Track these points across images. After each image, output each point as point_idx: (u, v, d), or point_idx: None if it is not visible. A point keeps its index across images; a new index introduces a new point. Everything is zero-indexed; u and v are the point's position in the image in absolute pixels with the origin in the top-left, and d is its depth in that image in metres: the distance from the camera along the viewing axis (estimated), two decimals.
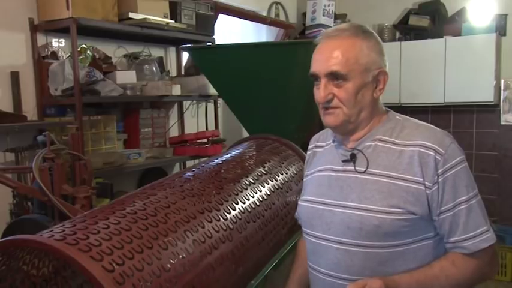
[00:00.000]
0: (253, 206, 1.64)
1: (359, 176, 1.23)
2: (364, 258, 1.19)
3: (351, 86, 1.20)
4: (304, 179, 1.44)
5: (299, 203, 1.39)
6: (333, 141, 1.35)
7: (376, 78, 1.23)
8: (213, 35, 3.57)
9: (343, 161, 1.27)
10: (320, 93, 1.23)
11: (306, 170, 1.45)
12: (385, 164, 1.21)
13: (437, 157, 1.17)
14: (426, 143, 1.19)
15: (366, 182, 1.22)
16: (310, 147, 1.48)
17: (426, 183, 1.16)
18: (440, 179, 1.16)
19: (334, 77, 1.20)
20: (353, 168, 1.25)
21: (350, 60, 1.19)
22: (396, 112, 1.33)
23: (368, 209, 1.18)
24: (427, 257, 1.20)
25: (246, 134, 2.67)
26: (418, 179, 1.17)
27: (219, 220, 1.44)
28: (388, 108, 1.33)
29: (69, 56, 2.79)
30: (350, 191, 1.23)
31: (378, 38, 1.27)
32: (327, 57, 1.21)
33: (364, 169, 1.23)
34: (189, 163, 3.55)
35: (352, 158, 1.25)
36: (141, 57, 3.32)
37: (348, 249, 1.21)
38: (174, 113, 3.78)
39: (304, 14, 5.08)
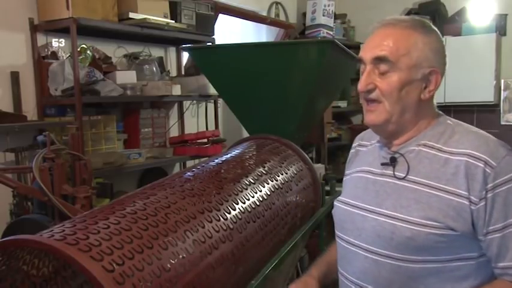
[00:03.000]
0: (253, 206, 1.64)
1: (397, 182, 1.14)
2: (393, 271, 1.10)
3: (396, 79, 1.10)
4: (344, 178, 1.36)
5: (334, 203, 1.31)
6: (378, 142, 1.25)
7: (427, 78, 1.13)
8: (213, 35, 3.57)
9: (383, 164, 1.19)
10: (361, 81, 1.14)
11: (347, 168, 1.37)
12: (427, 171, 1.11)
13: (487, 170, 1.04)
14: (475, 152, 1.06)
15: (404, 189, 1.12)
16: (354, 145, 1.39)
17: (471, 197, 1.05)
18: (489, 195, 1.04)
19: (381, 63, 1.12)
20: (392, 172, 1.16)
21: (401, 50, 1.10)
22: None
23: (402, 218, 1.09)
24: (467, 279, 1.09)
25: (246, 134, 2.67)
26: (462, 192, 1.05)
27: (219, 220, 1.44)
28: (440, 112, 1.21)
29: (69, 56, 2.79)
30: (386, 197, 1.15)
31: (440, 36, 1.17)
32: (378, 43, 1.13)
33: (403, 175, 1.14)
34: (189, 163, 3.55)
35: (392, 162, 1.16)
36: (141, 57, 3.33)
37: (376, 259, 1.12)
38: (174, 113, 3.78)
39: (304, 14, 5.08)
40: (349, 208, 1.23)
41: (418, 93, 1.13)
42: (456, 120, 1.19)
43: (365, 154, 1.30)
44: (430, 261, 1.08)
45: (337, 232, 1.27)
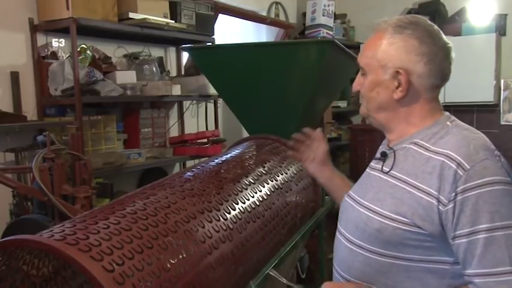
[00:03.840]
0: (253, 206, 1.64)
1: (382, 176, 1.18)
2: (364, 262, 1.15)
3: (367, 81, 1.19)
4: None
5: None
6: None
7: (396, 77, 1.14)
8: (213, 35, 3.57)
9: (375, 158, 1.26)
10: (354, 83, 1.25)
11: None
12: (409, 168, 1.12)
13: (459, 171, 1.02)
14: (452, 153, 1.05)
15: (385, 183, 1.16)
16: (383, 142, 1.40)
17: (441, 197, 1.04)
18: (458, 198, 1.02)
19: (361, 68, 1.22)
20: (380, 167, 1.21)
21: (368, 53, 1.18)
22: None
23: (375, 210, 1.13)
24: (440, 284, 1.08)
25: (246, 134, 2.67)
26: (433, 191, 1.05)
27: (219, 220, 1.44)
28: (446, 113, 1.21)
29: (69, 56, 2.79)
30: (370, 189, 1.20)
31: (416, 35, 1.14)
32: (362, 50, 1.23)
33: (388, 169, 1.17)
34: (189, 163, 3.56)
35: (383, 157, 1.21)
36: (141, 57, 3.33)
37: (352, 248, 1.18)
38: (174, 113, 3.78)
39: (304, 14, 5.08)
40: (347, 199, 1.29)
41: (389, 93, 1.16)
42: (458, 123, 1.18)
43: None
44: (399, 258, 1.09)
45: (338, 223, 1.31)
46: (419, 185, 1.08)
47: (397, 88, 1.15)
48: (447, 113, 1.21)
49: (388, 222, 1.09)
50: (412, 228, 1.06)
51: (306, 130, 1.61)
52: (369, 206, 1.16)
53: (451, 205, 1.02)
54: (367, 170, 1.29)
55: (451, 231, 1.04)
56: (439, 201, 1.04)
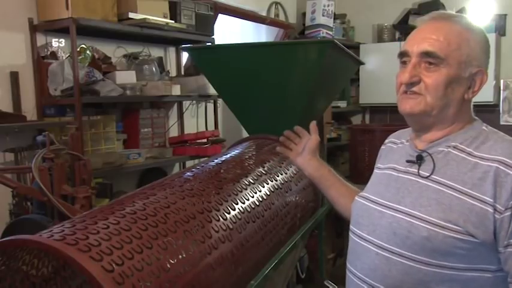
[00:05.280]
0: (252, 206, 1.64)
1: (420, 180, 1.12)
2: (404, 272, 1.08)
3: (443, 74, 1.07)
4: (373, 173, 1.35)
5: (355, 197, 1.30)
6: (407, 141, 1.24)
7: (472, 77, 1.10)
8: (213, 35, 3.57)
9: (408, 161, 1.17)
10: (405, 73, 1.11)
11: (376, 164, 1.35)
12: (454, 174, 1.07)
13: None
14: (508, 160, 1.02)
15: (426, 188, 1.10)
16: (386, 141, 1.37)
17: (497, 205, 1.00)
18: None
19: (429, 57, 1.08)
20: (416, 171, 1.14)
21: (452, 45, 1.07)
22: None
23: (420, 217, 1.06)
24: None
25: (245, 134, 2.67)
26: (488, 199, 1.01)
27: (218, 220, 1.44)
28: (476, 117, 1.18)
29: (69, 56, 2.79)
30: (407, 194, 1.12)
31: (488, 38, 1.14)
32: (426, 37, 1.09)
33: (428, 174, 1.11)
34: (189, 163, 3.55)
35: (418, 160, 1.14)
36: (140, 57, 3.33)
37: (388, 256, 1.10)
38: (173, 113, 3.78)
39: (304, 14, 5.08)
40: (367, 203, 1.22)
41: (462, 92, 1.11)
42: (491, 128, 1.15)
43: (394, 151, 1.28)
44: (445, 267, 1.04)
45: (351, 227, 1.25)
46: (470, 191, 1.03)
47: (469, 88, 1.11)
48: (476, 117, 1.18)
49: (438, 230, 1.03)
50: (463, 237, 1.02)
51: (297, 128, 1.63)
52: (410, 212, 1.09)
53: (507, 213, 1.00)
54: (391, 172, 1.21)
55: (504, 239, 1.01)
56: (495, 209, 1.01)
